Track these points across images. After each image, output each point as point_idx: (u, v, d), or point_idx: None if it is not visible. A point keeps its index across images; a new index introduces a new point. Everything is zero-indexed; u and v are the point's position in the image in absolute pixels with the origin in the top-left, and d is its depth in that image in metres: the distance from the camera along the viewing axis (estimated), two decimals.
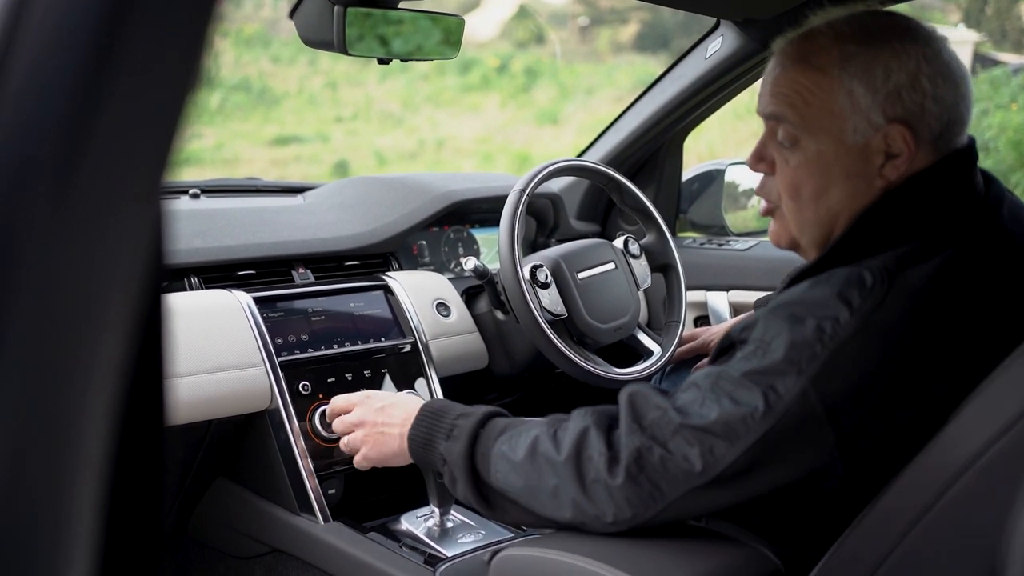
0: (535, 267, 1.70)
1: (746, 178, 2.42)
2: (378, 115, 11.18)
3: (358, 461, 1.32)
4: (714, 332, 1.88)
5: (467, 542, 1.43)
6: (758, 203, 2.64)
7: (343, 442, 1.36)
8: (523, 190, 1.69)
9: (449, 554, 1.39)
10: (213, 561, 1.72)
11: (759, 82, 1.15)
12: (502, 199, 1.70)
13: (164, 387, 0.48)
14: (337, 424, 1.39)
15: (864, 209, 1.06)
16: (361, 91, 11.77)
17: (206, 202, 1.96)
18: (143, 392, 0.45)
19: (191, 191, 1.99)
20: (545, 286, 1.70)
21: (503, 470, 1.09)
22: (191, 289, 1.64)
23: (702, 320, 2.11)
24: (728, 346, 1.07)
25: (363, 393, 1.38)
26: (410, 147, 10.19)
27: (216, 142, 9.81)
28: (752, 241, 2.12)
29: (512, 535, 1.45)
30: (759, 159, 1.14)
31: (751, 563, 1.08)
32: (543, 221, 2.14)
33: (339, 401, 1.40)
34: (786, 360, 0.97)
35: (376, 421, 1.30)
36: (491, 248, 2.11)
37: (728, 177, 2.29)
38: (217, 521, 1.68)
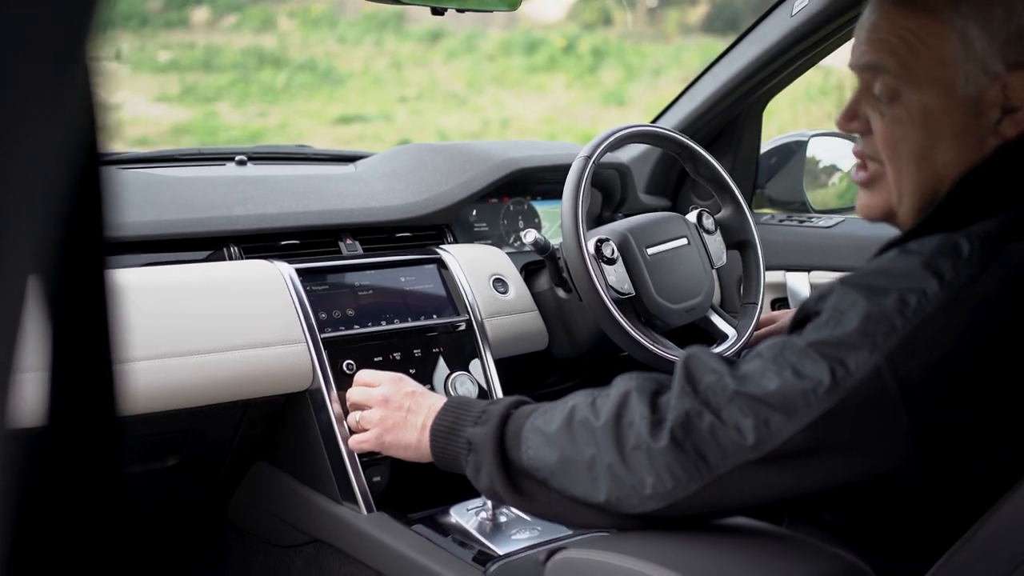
0: (601, 241, 1.57)
1: (828, 153, 2.25)
2: (442, 95, 11.10)
3: (360, 441, 1.26)
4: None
5: (521, 539, 1.31)
6: (839, 181, 2.48)
7: (354, 417, 1.30)
8: (589, 157, 1.56)
9: (501, 552, 1.27)
10: (252, 548, 1.62)
11: (848, 43, 1.01)
12: (566, 168, 1.57)
13: (113, 377, 0.40)
14: (356, 393, 1.30)
15: (971, 169, 0.92)
16: (426, 71, 11.70)
17: (252, 169, 1.86)
18: (82, 384, 0.39)
19: (237, 158, 1.89)
20: (611, 262, 1.56)
21: (535, 444, 0.99)
22: (230, 259, 1.53)
23: (780, 303, 1.95)
24: (802, 318, 0.94)
25: (396, 374, 1.30)
26: (474, 127, 10.09)
27: (281, 121, 9.83)
28: (837, 218, 1.96)
29: (570, 532, 1.32)
30: (851, 117, 1.00)
31: (840, 572, 0.94)
32: (609, 194, 2.00)
33: (367, 375, 1.32)
34: (860, 333, 0.85)
35: (402, 404, 1.20)
36: (553, 222, 1.97)
37: (810, 150, 2.12)
38: (256, 507, 1.58)
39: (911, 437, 0.84)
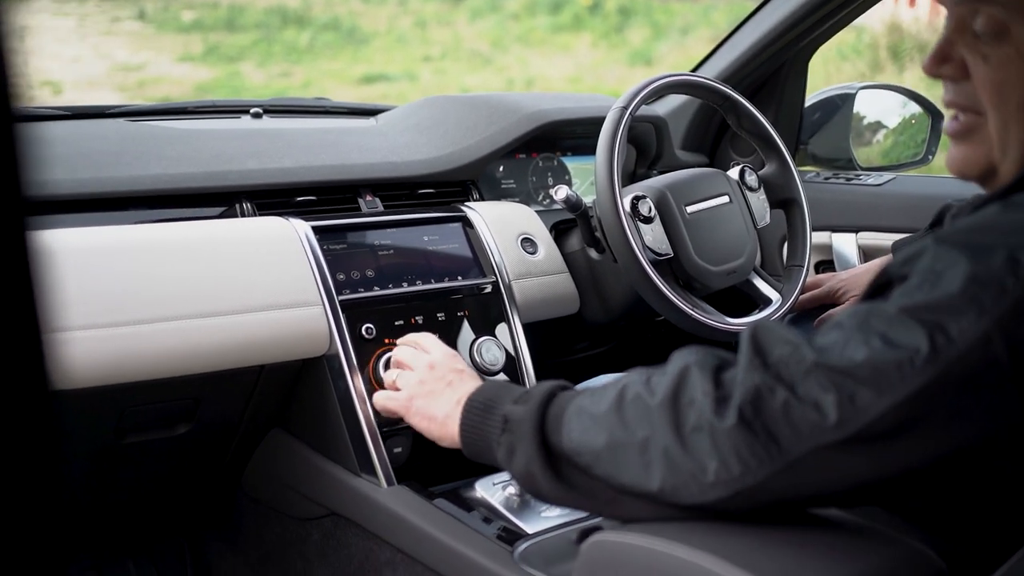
0: (637, 198, 1.47)
1: (874, 108, 2.13)
2: (467, 54, 10.95)
3: (388, 398, 1.19)
4: (843, 279, 1.63)
5: (551, 517, 1.22)
6: (884, 139, 2.35)
7: (391, 375, 1.23)
8: (625, 107, 1.45)
9: (530, 530, 1.18)
10: (268, 520, 1.55)
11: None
12: (599, 122, 1.46)
13: (42, 348, 0.35)
14: (403, 352, 1.22)
15: None
16: (450, 31, 11.55)
17: (268, 122, 1.77)
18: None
19: (252, 110, 1.80)
20: (648, 220, 1.46)
21: (579, 427, 0.88)
22: (242, 215, 1.44)
23: (825, 265, 1.85)
24: (884, 283, 0.83)
25: (451, 349, 1.21)
26: (499, 86, 9.93)
27: (304, 80, 9.73)
28: (887, 176, 1.84)
29: None
30: (942, 60, 0.87)
31: (909, 565, 0.85)
32: (644, 149, 1.90)
33: (420, 336, 1.25)
34: (964, 295, 0.74)
35: (446, 376, 1.12)
36: (584, 180, 1.87)
37: (856, 104, 2.00)
38: (271, 477, 1.51)
39: (1019, 413, 0.74)
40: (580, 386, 1.37)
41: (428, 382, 1.13)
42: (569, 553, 1.09)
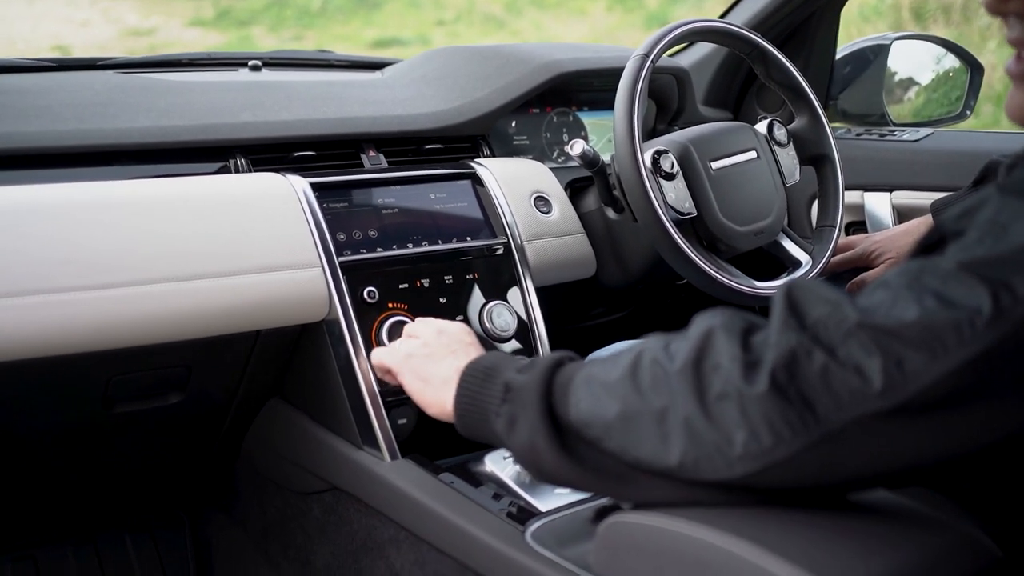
0: (659, 153, 1.37)
1: (907, 63, 2.02)
2: (480, 18, 10.80)
3: (382, 355, 1.11)
4: (877, 241, 1.53)
5: (565, 493, 1.13)
6: (916, 96, 2.24)
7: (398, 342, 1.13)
8: (647, 55, 1.35)
9: (543, 508, 1.10)
10: (269, 494, 1.47)
11: None
12: (617, 73, 1.37)
13: None
14: (415, 324, 1.14)
15: None
16: None
17: (267, 75, 1.67)
18: None
19: (251, 63, 1.70)
20: (670, 177, 1.37)
21: (589, 396, 0.80)
22: (236, 171, 1.35)
23: (856, 227, 1.75)
24: (936, 240, 0.74)
25: (467, 327, 1.12)
26: None
27: (316, 44, 9.62)
28: (924, 131, 1.73)
29: None
30: None
31: (961, 553, 0.77)
32: (664, 103, 1.79)
33: (448, 322, 1.15)
34: None
35: (451, 345, 1.04)
36: (601, 136, 1.77)
37: (890, 57, 1.89)
38: (270, 449, 1.43)
39: None
40: (592, 355, 1.28)
41: (432, 345, 1.05)
42: (585, 534, 1.01)
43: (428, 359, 1.03)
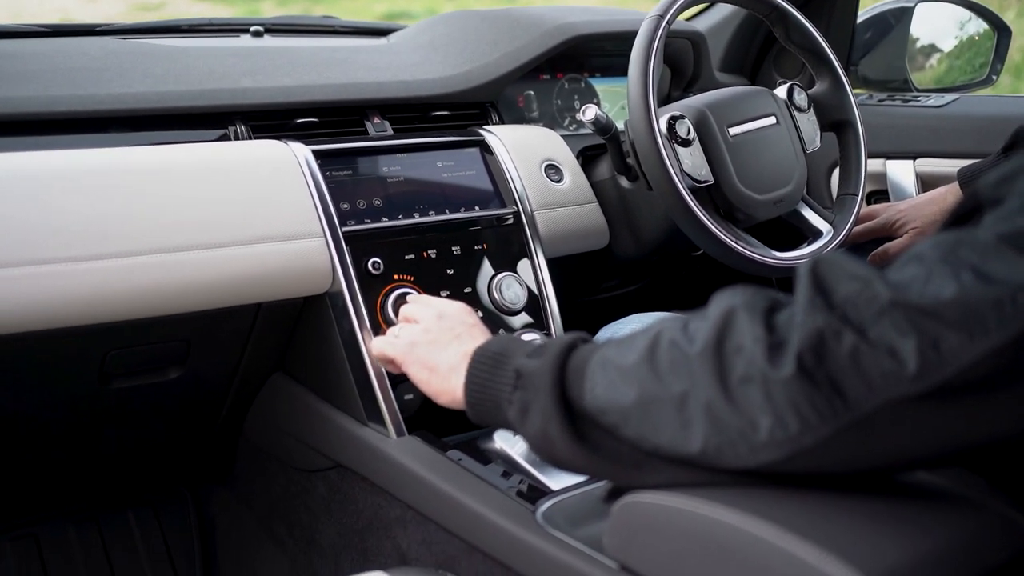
0: (674, 118, 1.32)
1: (930, 28, 1.95)
2: None
3: (385, 342, 1.04)
4: (901, 210, 1.48)
5: None
6: (939, 64, 2.17)
7: (395, 329, 1.08)
8: (662, 16, 1.30)
9: (554, 487, 1.05)
10: (272, 471, 1.43)
11: None
12: (631, 37, 1.31)
13: None
14: (411, 307, 1.08)
15: None
16: None
17: (269, 41, 1.62)
18: None
19: (253, 28, 1.65)
20: (686, 143, 1.31)
21: (605, 381, 0.75)
22: (236, 139, 1.31)
23: (878, 196, 1.69)
24: (971, 209, 0.68)
25: (467, 306, 1.06)
26: None
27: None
28: (949, 96, 1.67)
29: None
30: None
31: (999, 536, 0.72)
32: (679, 69, 1.73)
33: (430, 298, 1.11)
34: None
35: (454, 328, 0.98)
36: (615, 103, 1.72)
37: (913, 21, 1.83)
38: (274, 426, 1.39)
39: None
40: (606, 328, 1.22)
41: (434, 331, 0.99)
42: (598, 513, 0.97)
43: (432, 346, 0.98)
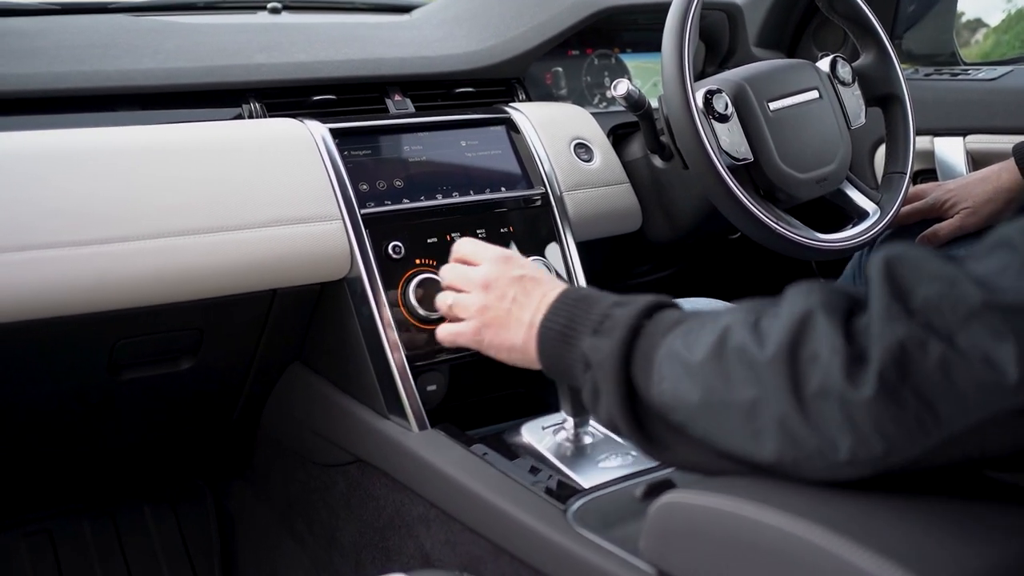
0: (711, 93, 1.24)
1: (977, 1, 1.86)
2: None
3: (454, 333, 0.95)
4: (950, 189, 1.40)
5: (611, 467, 1.02)
6: (985, 38, 2.08)
7: (445, 299, 0.97)
8: None
9: (586, 484, 0.99)
10: (291, 465, 1.38)
11: None
12: (665, 9, 1.23)
13: None
14: (450, 272, 0.98)
15: None
16: None
17: (287, 17, 1.56)
18: None
19: (270, 5, 1.59)
20: (724, 119, 1.24)
21: (671, 377, 0.70)
22: (250, 117, 1.25)
23: (925, 175, 1.61)
24: None
25: (503, 251, 0.97)
26: None
27: None
28: (1002, 69, 1.58)
29: None
30: None
31: None
32: (714, 44, 1.66)
33: (467, 247, 0.99)
34: None
35: (506, 293, 0.90)
36: (647, 80, 1.64)
37: None
38: (292, 418, 1.33)
39: None
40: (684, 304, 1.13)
41: (489, 306, 0.92)
42: (634, 513, 0.91)
43: (498, 327, 0.90)
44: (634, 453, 1.05)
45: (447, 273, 1.00)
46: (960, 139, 1.55)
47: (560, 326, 0.82)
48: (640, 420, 0.73)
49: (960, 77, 1.60)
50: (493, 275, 0.93)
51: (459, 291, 0.96)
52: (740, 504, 0.70)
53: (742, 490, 0.72)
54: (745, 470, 0.69)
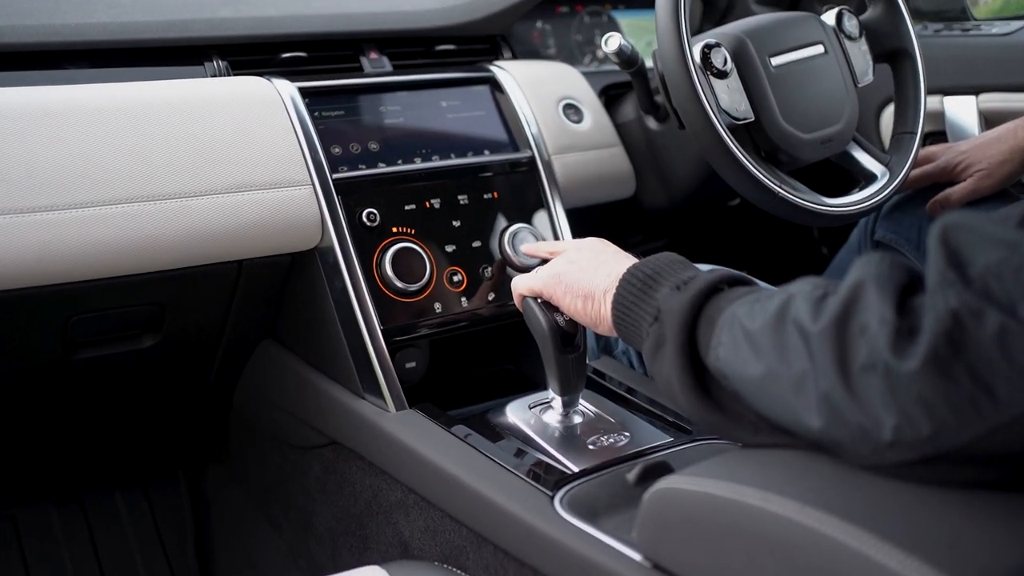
0: (709, 47, 1.15)
1: None
2: None
3: (529, 280, 0.93)
4: (963, 151, 1.32)
5: (602, 448, 0.95)
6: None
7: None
8: None
9: (575, 468, 0.91)
10: (265, 447, 1.30)
11: None
12: None
13: None
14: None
15: None
16: None
17: None
18: None
19: None
20: (723, 75, 1.15)
21: (729, 342, 0.68)
22: (215, 76, 1.16)
23: (935, 136, 1.52)
24: None
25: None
26: None
27: None
28: (1016, 24, 1.50)
29: (669, 440, 0.96)
30: None
31: None
32: (712, 0, 1.57)
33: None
34: None
35: (600, 255, 0.89)
36: (641, 38, 1.55)
37: None
38: (264, 399, 1.26)
39: None
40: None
41: (578, 261, 0.89)
42: (627, 499, 0.84)
43: (582, 272, 0.88)
44: (627, 433, 0.98)
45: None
46: (972, 98, 1.47)
47: (644, 275, 0.79)
48: (696, 381, 0.71)
49: (971, 33, 1.52)
50: (589, 242, 0.93)
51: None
52: (743, 491, 0.63)
53: (746, 474, 0.65)
54: (799, 444, 0.66)
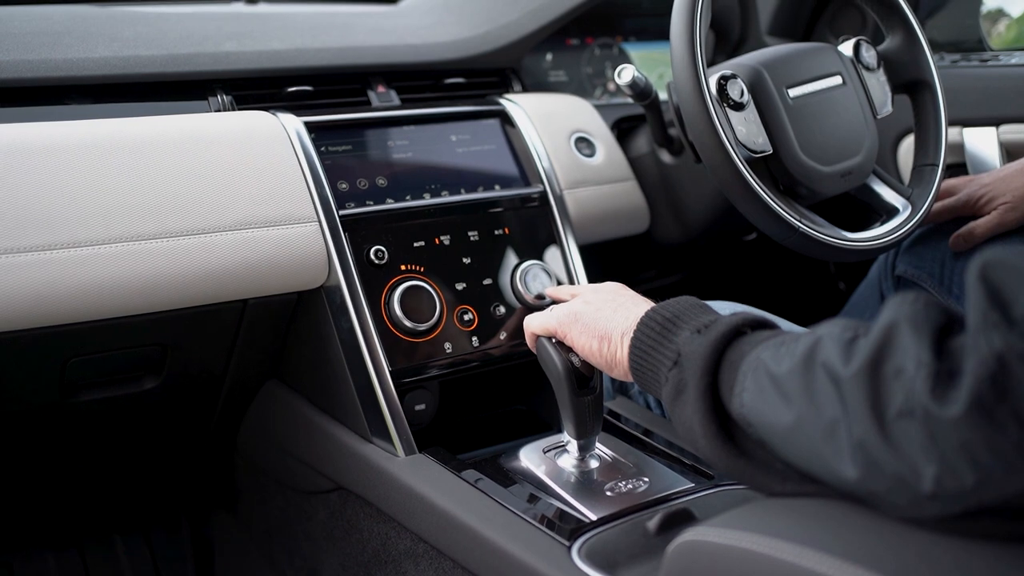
0: (724, 78, 1.12)
1: None
2: None
3: (544, 319, 0.90)
4: (985, 184, 1.28)
5: (620, 495, 0.91)
6: (1007, 29, 1.97)
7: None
8: None
9: (593, 516, 0.87)
10: (269, 491, 1.26)
11: None
12: None
13: None
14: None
15: None
16: None
17: (263, 8, 1.45)
18: None
19: None
20: (739, 107, 1.12)
21: (755, 388, 0.65)
22: (219, 110, 1.13)
23: (956, 169, 1.49)
24: None
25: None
26: None
27: None
28: None
29: (689, 486, 0.92)
30: None
31: None
32: (724, 33, 1.55)
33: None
34: None
35: (616, 298, 0.87)
36: (653, 70, 1.53)
37: None
38: (269, 441, 1.22)
39: None
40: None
41: (595, 302, 0.87)
42: (648, 550, 0.80)
43: (599, 313, 0.85)
44: (646, 479, 0.93)
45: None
46: (993, 129, 1.43)
47: (663, 318, 0.77)
48: (719, 428, 0.68)
49: (990, 64, 1.49)
50: (607, 286, 0.91)
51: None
52: (779, 545, 0.59)
53: (780, 526, 0.61)
54: (830, 493, 0.62)
